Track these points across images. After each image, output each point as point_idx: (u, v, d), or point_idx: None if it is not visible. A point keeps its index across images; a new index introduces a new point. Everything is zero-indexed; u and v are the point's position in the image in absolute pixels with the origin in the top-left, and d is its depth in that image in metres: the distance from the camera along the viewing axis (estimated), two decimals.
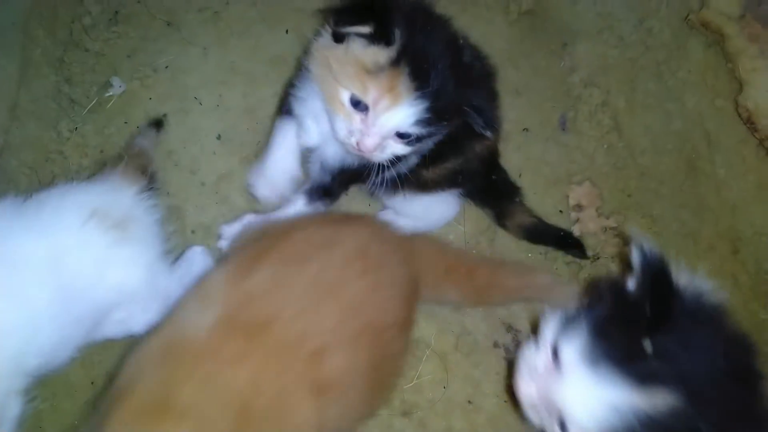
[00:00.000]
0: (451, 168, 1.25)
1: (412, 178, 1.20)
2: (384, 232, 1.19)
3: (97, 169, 1.26)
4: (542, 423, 0.97)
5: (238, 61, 1.53)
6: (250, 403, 0.87)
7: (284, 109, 1.28)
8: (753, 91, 1.51)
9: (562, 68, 1.63)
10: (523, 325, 1.38)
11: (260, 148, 1.41)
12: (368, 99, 1.01)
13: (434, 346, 1.34)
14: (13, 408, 0.99)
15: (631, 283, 0.95)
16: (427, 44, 1.01)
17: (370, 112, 1.02)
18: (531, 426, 1.02)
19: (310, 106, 1.19)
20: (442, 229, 1.43)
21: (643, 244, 0.92)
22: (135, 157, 1.27)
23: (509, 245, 1.44)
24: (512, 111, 1.55)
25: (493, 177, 1.40)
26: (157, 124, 1.42)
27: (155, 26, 1.55)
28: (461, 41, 1.10)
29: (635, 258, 0.93)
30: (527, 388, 0.99)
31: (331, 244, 1.06)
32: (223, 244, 1.32)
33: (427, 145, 1.12)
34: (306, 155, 1.29)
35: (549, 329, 0.99)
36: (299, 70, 1.20)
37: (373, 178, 1.15)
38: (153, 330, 0.99)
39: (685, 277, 0.95)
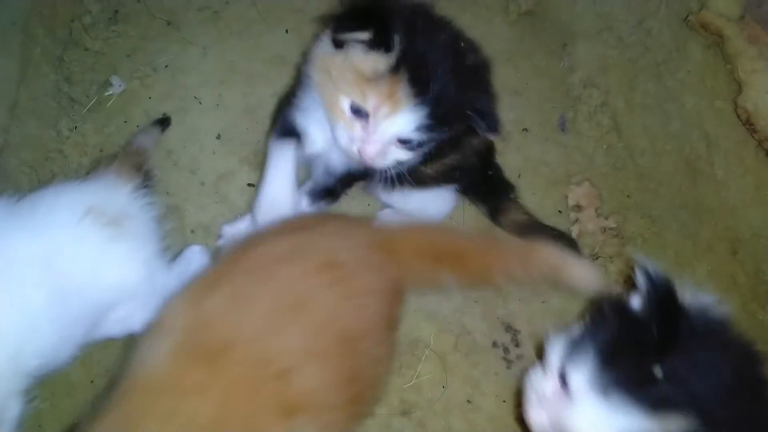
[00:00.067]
0: (449, 164, 1.25)
1: (410, 174, 1.20)
2: (356, 233, 1.10)
3: (93, 167, 1.26)
4: None
5: (237, 60, 1.53)
6: None
7: (278, 128, 1.25)
8: (752, 93, 1.52)
9: (561, 69, 1.64)
10: (523, 325, 1.38)
11: (260, 148, 1.41)
12: (368, 106, 1.01)
13: (433, 346, 1.34)
14: (13, 408, 0.98)
15: (635, 302, 0.94)
16: (427, 49, 1.00)
17: (371, 120, 1.02)
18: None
19: (313, 114, 1.17)
20: None
21: (648, 266, 0.91)
22: (131, 155, 1.26)
23: None
24: (512, 111, 1.56)
25: (489, 173, 1.40)
26: (163, 122, 1.42)
27: (155, 25, 1.55)
28: (462, 44, 1.09)
29: (641, 281, 0.92)
30: (538, 416, 0.97)
31: (296, 255, 0.99)
32: (223, 243, 1.32)
33: (430, 147, 1.12)
34: (307, 157, 1.28)
35: (555, 354, 0.97)
36: (299, 79, 1.19)
37: (377, 178, 1.15)
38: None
39: (689, 292, 0.94)
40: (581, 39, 1.66)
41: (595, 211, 1.50)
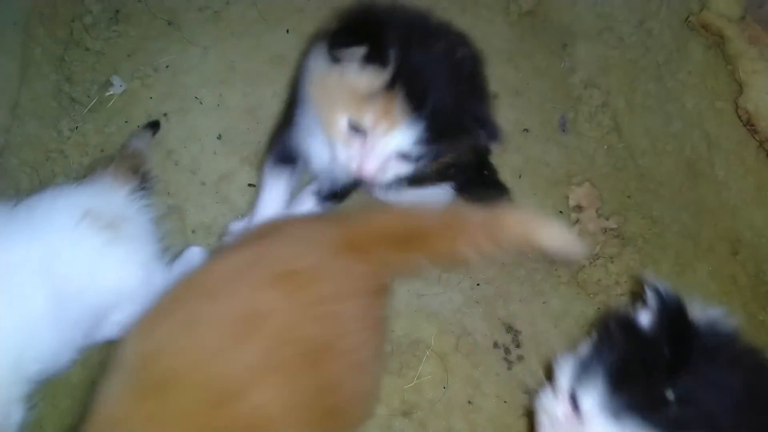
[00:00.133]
0: (445, 161, 1.25)
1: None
2: (315, 236, 1.03)
3: (89, 170, 1.26)
4: None
5: (238, 60, 1.53)
6: None
7: (275, 154, 1.24)
8: (753, 93, 1.51)
9: (562, 69, 1.64)
10: (524, 326, 1.38)
11: (260, 148, 1.41)
12: (365, 123, 1.00)
13: (434, 347, 1.34)
14: (16, 415, 0.98)
15: (644, 318, 0.94)
16: (422, 63, 0.99)
17: (369, 136, 1.01)
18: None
19: (312, 133, 1.16)
20: None
21: (658, 286, 0.91)
22: (128, 158, 1.26)
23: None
24: (512, 112, 1.56)
25: (485, 172, 1.40)
26: (153, 125, 1.42)
27: (156, 25, 1.55)
28: (460, 54, 1.07)
29: (651, 301, 0.91)
30: None
31: (248, 269, 0.94)
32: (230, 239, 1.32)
33: (430, 158, 1.10)
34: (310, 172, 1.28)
35: (564, 376, 0.96)
36: (294, 99, 1.18)
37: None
38: None
39: (698, 309, 0.93)
40: (582, 39, 1.66)
41: (596, 211, 1.50)
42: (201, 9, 1.57)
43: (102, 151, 1.41)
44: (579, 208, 1.50)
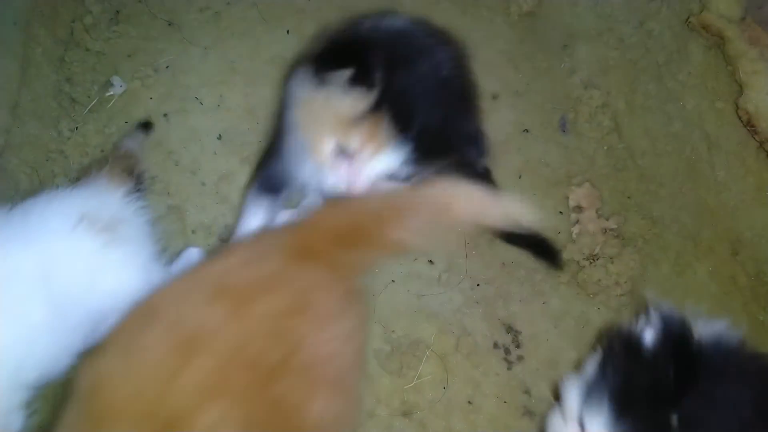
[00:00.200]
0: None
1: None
2: (261, 248, 0.98)
3: (83, 172, 1.24)
4: None
5: (238, 61, 1.53)
6: None
7: (260, 182, 1.23)
8: (753, 94, 1.52)
9: (562, 70, 1.64)
10: (524, 326, 1.38)
11: (261, 149, 1.41)
12: (352, 146, 1.00)
13: (434, 347, 1.34)
14: (16, 422, 0.98)
15: (648, 336, 0.93)
16: (408, 84, 0.99)
17: (356, 159, 1.01)
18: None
19: (302, 157, 1.13)
20: None
21: (662, 308, 0.91)
22: (121, 159, 1.25)
23: (510, 248, 1.44)
24: (512, 112, 1.56)
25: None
26: (145, 126, 1.42)
27: (156, 26, 1.55)
28: (445, 72, 1.06)
29: (655, 323, 0.92)
30: None
31: (191, 288, 0.90)
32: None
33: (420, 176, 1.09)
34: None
35: (572, 399, 0.97)
36: (281, 124, 1.17)
37: None
38: None
39: (701, 324, 0.93)
40: (582, 40, 1.66)
41: (596, 212, 1.50)
42: (201, 9, 1.57)
43: (102, 151, 1.41)
44: (579, 208, 1.50)
